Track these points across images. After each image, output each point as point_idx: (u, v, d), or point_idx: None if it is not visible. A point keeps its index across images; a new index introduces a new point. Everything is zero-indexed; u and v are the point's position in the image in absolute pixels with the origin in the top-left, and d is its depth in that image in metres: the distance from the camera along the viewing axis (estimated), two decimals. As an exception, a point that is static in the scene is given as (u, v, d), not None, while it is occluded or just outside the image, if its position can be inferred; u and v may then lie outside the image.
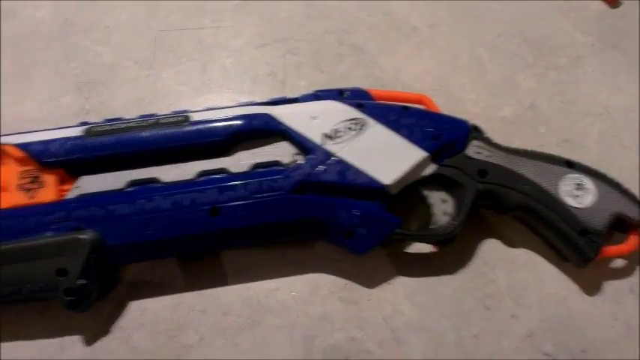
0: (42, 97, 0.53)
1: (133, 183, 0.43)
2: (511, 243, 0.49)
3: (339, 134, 0.44)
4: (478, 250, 0.48)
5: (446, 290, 0.47)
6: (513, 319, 0.46)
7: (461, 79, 0.55)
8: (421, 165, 0.44)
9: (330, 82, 0.54)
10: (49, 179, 0.43)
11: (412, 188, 0.46)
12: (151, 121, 0.44)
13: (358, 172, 0.43)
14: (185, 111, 0.45)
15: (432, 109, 0.48)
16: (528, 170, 0.45)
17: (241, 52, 0.56)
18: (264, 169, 0.44)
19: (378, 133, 0.44)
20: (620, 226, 0.45)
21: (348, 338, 0.45)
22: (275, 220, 0.43)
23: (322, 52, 0.56)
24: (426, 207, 0.47)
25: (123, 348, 0.45)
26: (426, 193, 0.46)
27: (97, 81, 0.54)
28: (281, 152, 0.45)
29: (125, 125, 0.43)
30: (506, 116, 0.54)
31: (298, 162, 0.44)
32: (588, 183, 0.45)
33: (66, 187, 0.43)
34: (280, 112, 0.44)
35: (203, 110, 0.45)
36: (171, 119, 0.44)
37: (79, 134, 0.43)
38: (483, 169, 0.45)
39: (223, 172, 0.44)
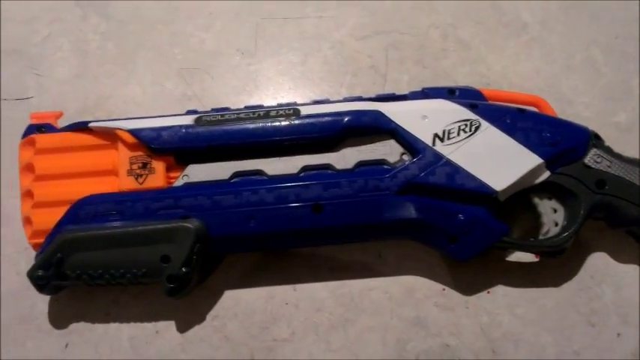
0: (145, 81, 0.54)
1: (238, 174, 0.44)
2: (621, 258, 0.46)
3: (450, 135, 0.42)
4: (585, 263, 0.46)
5: (548, 303, 0.45)
6: (618, 338, 0.44)
7: (573, 81, 0.52)
8: (535, 172, 0.42)
9: (433, 79, 0.52)
10: (159, 166, 0.43)
11: (521, 195, 0.44)
12: (260, 113, 0.43)
13: (468, 175, 0.42)
14: (293, 104, 0.45)
15: (548, 113, 0.45)
16: (651, 184, 0.42)
17: (343, 44, 0.55)
18: (369, 167, 0.43)
19: (491, 136, 0.42)
20: None
21: (442, 345, 0.44)
22: (378, 220, 0.42)
23: (426, 47, 0.54)
24: (533, 215, 0.45)
25: (216, 336, 0.45)
26: (536, 201, 0.44)
27: (200, 68, 0.54)
28: (388, 151, 0.43)
29: (235, 116, 0.43)
30: (621, 122, 0.50)
31: (406, 162, 0.43)
32: None
33: (173, 174, 0.44)
34: (390, 110, 0.43)
35: (311, 104, 0.45)
36: (281, 112, 0.43)
37: (189, 123, 0.43)
38: (602, 180, 0.43)
39: (328, 168, 0.43)
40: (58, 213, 0.43)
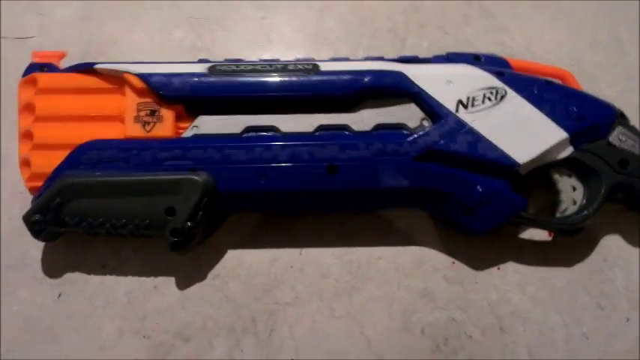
0: (153, 28, 0.51)
1: (251, 129, 0.41)
2: (635, 242, 0.45)
3: (475, 103, 0.41)
4: (598, 245, 0.45)
5: (559, 283, 0.44)
6: (628, 323, 0.43)
7: (597, 57, 0.51)
8: (559, 147, 0.41)
9: (454, 46, 0.50)
10: (168, 114, 0.41)
11: (540, 170, 0.42)
12: (277, 66, 0.41)
13: (490, 145, 0.40)
14: (312, 59, 0.42)
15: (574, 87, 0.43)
16: (675, 167, 0.41)
17: (362, 3, 0.52)
18: (388, 131, 0.41)
19: (517, 105, 0.41)
20: None
21: (449, 318, 0.43)
22: (394, 186, 0.40)
23: (448, 13, 0.52)
24: (550, 191, 0.44)
25: (217, 295, 0.44)
26: (556, 177, 0.43)
27: (210, 18, 0.52)
28: (407, 115, 0.42)
29: (251, 67, 0.41)
30: (643, 103, 0.49)
31: (426, 127, 0.41)
32: None
33: (182, 125, 0.42)
34: (413, 72, 0.41)
35: (330, 61, 0.43)
36: (299, 66, 0.41)
37: (202, 71, 0.41)
38: (625, 159, 0.41)
39: (345, 129, 0.41)
40: (58, 156, 0.40)
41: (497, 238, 0.44)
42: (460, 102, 0.41)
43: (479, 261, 0.44)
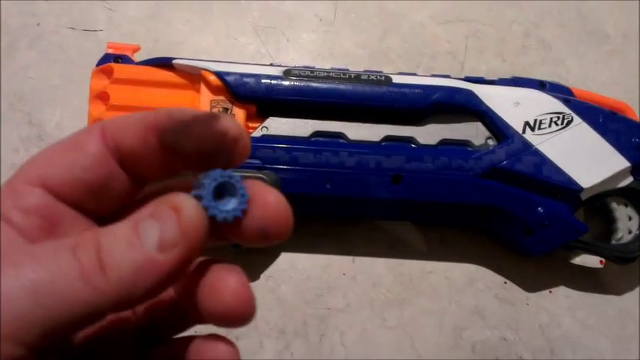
0: (220, 33, 0.52)
1: (318, 134, 0.42)
2: (684, 276, 0.46)
3: (541, 126, 0.42)
4: (649, 276, 0.46)
5: (609, 310, 0.44)
6: (674, 356, 0.43)
7: (650, 96, 0.52)
8: (620, 175, 0.42)
9: (511, 73, 0.51)
10: (239, 113, 0.42)
11: (598, 197, 0.43)
12: (351, 75, 0.42)
13: (556, 168, 0.41)
14: (381, 72, 0.44)
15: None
16: None
17: (423, 26, 0.54)
18: (453, 147, 0.42)
19: (583, 132, 0.42)
20: None
21: (499, 338, 0.43)
22: (456, 200, 0.41)
23: (507, 42, 0.53)
24: (603, 219, 0.45)
25: (270, 297, 0.44)
26: (613, 205, 0.43)
27: (276, 27, 0.53)
28: (473, 133, 0.43)
29: (325, 74, 0.42)
30: (693, 144, 0.50)
31: (491, 146, 0.42)
32: None
33: (252, 124, 0.42)
34: (482, 92, 0.42)
35: (399, 74, 0.44)
36: (372, 77, 0.42)
37: (277, 74, 0.42)
38: (682, 193, 0.42)
39: (411, 142, 0.42)
40: (129, 146, 0.41)
41: (549, 262, 0.45)
42: (527, 124, 0.42)
43: (531, 283, 0.45)
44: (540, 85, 0.44)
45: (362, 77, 0.42)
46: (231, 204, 0.20)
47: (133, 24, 0.52)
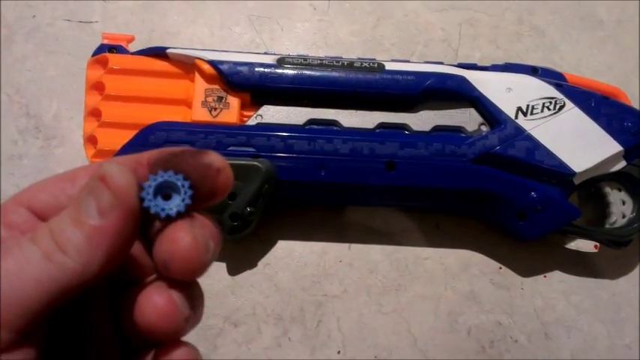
0: (214, 23, 0.53)
1: (313, 122, 0.43)
2: (679, 260, 0.46)
3: (534, 111, 0.42)
4: (642, 260, 0.46)
5: (604, 294, 0.45)
6: (668, 339, 0.44)
7: (644, 81, 0.52)
8: (613, 159, 0.42)
9: (505, 60, 0.51)
10: (234, 102, 0.42)
11: (591, 182, 0.43)
12: (344, 62, 0.42)
13: (548, 153, 0.41)
14: (374, 59, 0.44)
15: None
16: None
17: (417, 14, 0.54)
18: (447, 133, 0.42)
19: (575, 117, 0.42)
20: None
21: (495, 322, 0.44)
22: (450, 186, 0.41)
23: (501, 28, 0.53)
24: (597, 204, 0.45)
25: (267, 284, 0.44)
26: (607, 190, 0.44)
27: (270, 17, 0.53)
28: (466, 119, 0.43)
29: (318, 62, 0.42)
30: (687, 129, 0.50)
31: (484, 132, 0.42)
32: None
33: (247, 113, 0.43)
34: (475, 78, 0.42)
35: (393, 61, 0.44)
36: (365, 64, 0.42)
37: (271, 62, 0.42)
38: (676, 176, 0.42)
39: (404, 128, 0.43)
40: (125, 136, 0.41)
41: (544, 247, 0.45)
42: (520, 109, 0.42)
43: (525, 268, 0.45)
44: (533, 71, 0.44)
45: (355, 65, 0.42)
46: (173, 201, 0.21)
47: (128, 15, 0.52)
